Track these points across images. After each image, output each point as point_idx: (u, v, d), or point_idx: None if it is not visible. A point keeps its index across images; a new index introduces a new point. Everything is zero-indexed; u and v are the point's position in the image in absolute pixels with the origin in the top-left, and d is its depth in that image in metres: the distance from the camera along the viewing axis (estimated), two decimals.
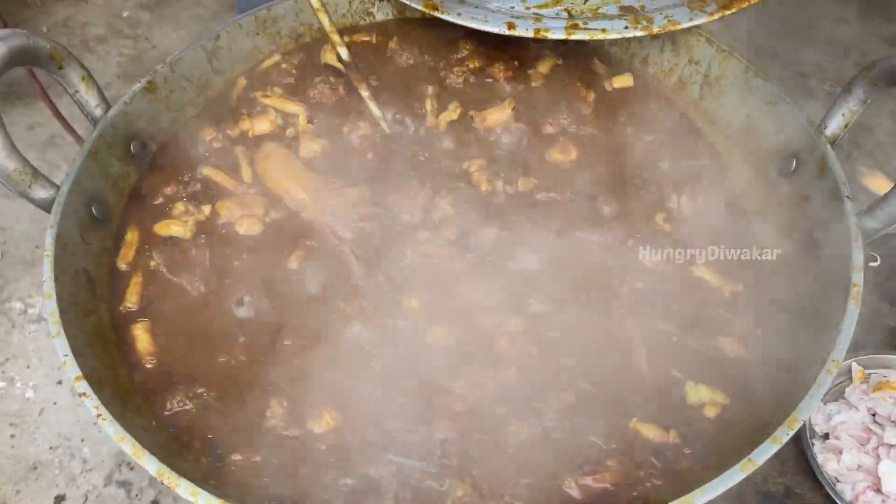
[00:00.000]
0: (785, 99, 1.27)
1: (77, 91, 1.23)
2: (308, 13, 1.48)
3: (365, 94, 1.40)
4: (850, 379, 1.56)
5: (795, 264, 1.19)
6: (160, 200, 1.28)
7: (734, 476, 0.86)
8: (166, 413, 1.07)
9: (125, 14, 3.51)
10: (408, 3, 1.39)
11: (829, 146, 1.18)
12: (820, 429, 1.49)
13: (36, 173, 1.12)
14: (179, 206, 1.26)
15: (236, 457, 1.02)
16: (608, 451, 1.04)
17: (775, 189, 1.27)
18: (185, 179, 1.30)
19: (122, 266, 1.22)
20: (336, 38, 1.40)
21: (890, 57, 1.10)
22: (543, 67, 1.49)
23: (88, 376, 0.96)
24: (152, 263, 1.20)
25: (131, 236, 1.25)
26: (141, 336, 1.14)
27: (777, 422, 0.91)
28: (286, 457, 1.03)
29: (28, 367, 2.20)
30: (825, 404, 1.53)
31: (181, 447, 1.04)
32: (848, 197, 1.11)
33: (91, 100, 1.24)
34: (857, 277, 1.03)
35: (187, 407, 1.07)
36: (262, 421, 1.05)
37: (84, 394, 0.93)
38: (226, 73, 1.44)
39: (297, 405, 1.06)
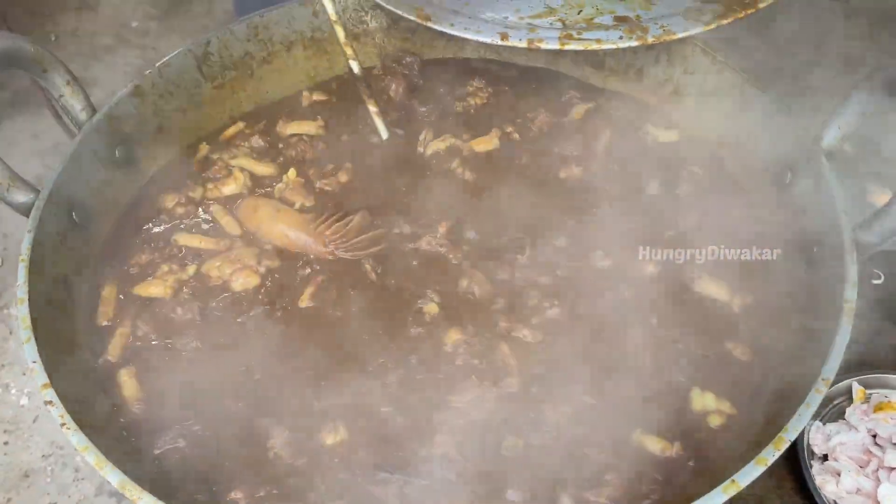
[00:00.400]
0: (781, 111, 1.24)
1: (62, 95, 1.22)
2: (300, 21, 1.48)
3: (373, 109, 1.40)
4: (851, 399, 1.52)
5: (792, 279, 1.16)
6: (135, 269, 1.25)
7: (716, 498, 0.82)
8: (156, 452, 1.04)
9: (134, 24, 3.52)
10: (400, 12, 1.37)
11: (825, 158, 1.15)
12: (819, 449, 1.45)
13: (14, 177, 1.11)
14: (163, 268, 1.24)
15: (236, 494, 1.00)
16: (608, 464, 1.02)
17: (772, 202, 1.24)
18: (160, 246, 1.27)
19: (103, 322, 1.19)
20: (350, 51, 1.40)
21: (888, 67, 1.07)
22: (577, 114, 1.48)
23: (57, 385, 0.94)
24: (139, 332, 1.17)
25: (109, 292, 1.22)
26: (127, 382, 1.12)
27: (767, 440, 0.88)
28: (289, 488, 1.01)
29: (24, 373, 2.19)
30: (824, 424, 1.48)
31: (172, 486, 1.01)
32: (844, 211, 1.08)
33: (76, 104, 1.23)
34: (851, 293, 0.99)
35: (180, 444, 1.05)
36: (264, 452, 1.03)
37: (50, 402, 0.91)
38: (216, 79, 1.43)
39: (303, 430, 1.05)
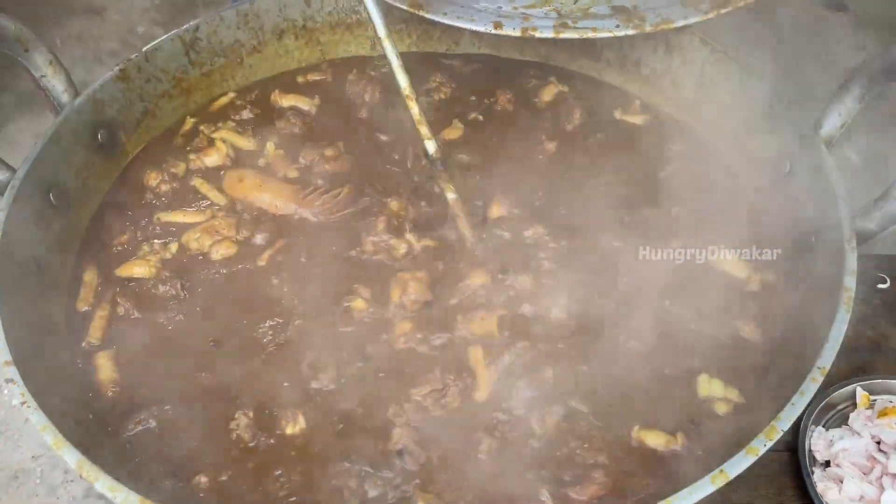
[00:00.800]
0: (780, 100, 1.20)
1: (44, 75, 1.19)
2: (292, 9, 1.45)
3: (451, 196, 1.23)
4: (855, 404, 1.47)
5: (791, 270, 1.13)
6: (118, 249, 1.23)
7: (702, 489, 0.78)
8: (127, 434, 1.02)
9: (139, 30, 3.53)
10: (392, 2, 1.35)
11: (823, 146, 1.11)
12: (821, 456, 1.40)
13: None
14: (145, 248, 1.22)
15: (201, 478, 0.97)
16: (597, 463, 0.98)
17: (770, 193, 1.21)
18: (142, 225, 1.25)
19: (83, 308, 1.16)
20: (425, 129, 1.21)
21: (888, 51, 1.04)
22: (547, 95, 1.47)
23: (22, 365, 0.91)
24: (120, 310, 1.15)
25: (90, 277, 1.19)
26: (104, 365, 1.09)
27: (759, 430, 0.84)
28: (251, 472, 0.99)
29: None
30: (827, 430, 1.44)
31: (139, 470, 0.98)
32: (843, 198, 1.04)
33: (58, 85, 1.21)
34: (850, 282, 0.95)
35: (151, 425, 1.02)
36: (229, 436, 1.01)
37: (11, 380, 0.88)
38: (205, 65, 1.40)
39: (264, 414, 1.03)
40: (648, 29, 1.26)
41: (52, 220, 1.15)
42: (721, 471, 0.79)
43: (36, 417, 0.85)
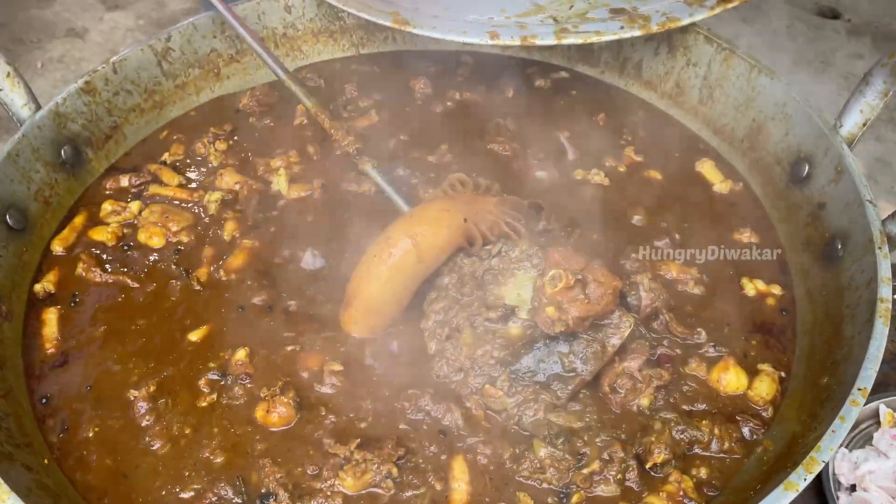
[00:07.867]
0: (794, 97, 1.12)
1: (1, 89, 1.11)
2: (272, 16, 1.38)
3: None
4: (878, 423, 1.38)
5: (814, 281, 1.04)
6: None
7: None
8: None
9: (122, 50, 3.47)
10: (375, 19, 1.27)
11: (845, 146, 1.03)
12: (846, 479, 1.31)
13: None
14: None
15: None
16: None
17: (787, 198, 1.12)
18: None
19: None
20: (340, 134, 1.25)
21: None
22: None
23: None
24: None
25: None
26: None
27: (794, 462, 0.75)
28: None
29: None
30: (850, 451, 1.35)
31: None
32: (870, 201, 0.96)
33: (17, 98, 1.12)
34: (885, 292, 0.87)
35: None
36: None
37: None
38: (179, 76, 1.32)
39: None
40: (656, 28, 1.20)
41: (9, 243, 1.06)
42: None
43: None
